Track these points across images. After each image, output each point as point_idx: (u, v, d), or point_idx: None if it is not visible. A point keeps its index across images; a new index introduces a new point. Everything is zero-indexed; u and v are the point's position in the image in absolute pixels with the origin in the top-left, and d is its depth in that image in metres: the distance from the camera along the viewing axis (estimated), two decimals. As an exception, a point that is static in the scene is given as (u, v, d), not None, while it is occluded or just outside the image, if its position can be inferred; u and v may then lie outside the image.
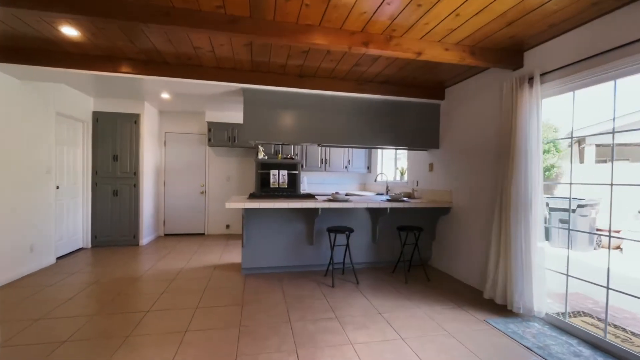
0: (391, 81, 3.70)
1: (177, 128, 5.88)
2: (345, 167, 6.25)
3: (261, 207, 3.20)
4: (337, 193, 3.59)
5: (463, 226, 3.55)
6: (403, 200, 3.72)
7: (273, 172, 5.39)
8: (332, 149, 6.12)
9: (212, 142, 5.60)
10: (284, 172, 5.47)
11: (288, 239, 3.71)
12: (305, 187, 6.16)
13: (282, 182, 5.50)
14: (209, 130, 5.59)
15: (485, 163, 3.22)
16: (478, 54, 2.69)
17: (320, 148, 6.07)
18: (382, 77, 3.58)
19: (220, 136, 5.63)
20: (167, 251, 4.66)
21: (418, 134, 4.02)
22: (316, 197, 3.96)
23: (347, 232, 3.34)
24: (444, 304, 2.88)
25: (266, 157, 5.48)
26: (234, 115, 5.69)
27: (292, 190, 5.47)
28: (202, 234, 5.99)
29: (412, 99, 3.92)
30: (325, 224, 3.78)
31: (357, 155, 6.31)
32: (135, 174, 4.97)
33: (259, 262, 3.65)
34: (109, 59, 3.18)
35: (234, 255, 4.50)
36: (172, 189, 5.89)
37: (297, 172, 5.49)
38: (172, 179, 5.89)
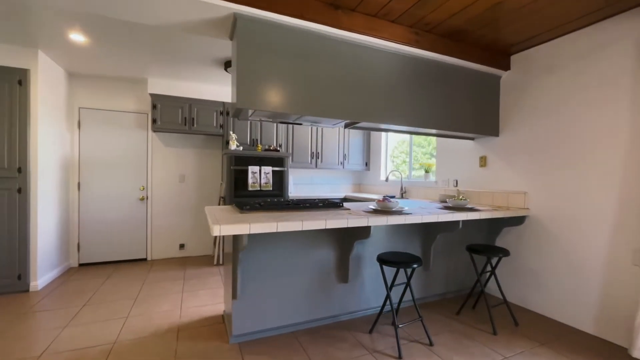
0: (452, 34, 2.52)
1: (101, 102, 3.89)
2: (341, 163, 4.95)
3: (281, 229, 1.72)
4: (385, 199, 2.29)
5: (554, 243, 2.55)
6: (473, 209, 2.58)
7: (252, 168, 3.85)
8: (324, 139, 4.77)
9: (157, 124, 3.79)
10: (268, 169, 3.96)
11: (307, 276, 2.27)
12: (291, 188, 4.70)
13: (265, 183, 3.99)
14: (154, 106, 3.77)
15: (599, 156, 2.25)
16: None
17: (311, 137, 4.67)
18: (446, 27, 2.38)
19: (171, 116, 3.84)
20: (83, 300, 2.79)
21: (470, 114, 2.92)
22: (344, 205, 2.59)
23: (414, 265, 2.06)
24: (592, 378, 1.80)
25: (241, 148, 3.90)
26: (194, 86, 3.97)
27: (279, 193, 4.00)
28: (144, 260, 4.10)
29: (469, 64, 2.80)
30: (362, 248, 2.45)
31: (355, 147, 5.05)
32: (20, 171, 2.95)
33: (263, 320, 2.14)
34: None
35: (202, 296, 2.86)
36: (92, 195, 3.88)
37: (284, 168, 4.04)
38: (93, 179, 3.88)
